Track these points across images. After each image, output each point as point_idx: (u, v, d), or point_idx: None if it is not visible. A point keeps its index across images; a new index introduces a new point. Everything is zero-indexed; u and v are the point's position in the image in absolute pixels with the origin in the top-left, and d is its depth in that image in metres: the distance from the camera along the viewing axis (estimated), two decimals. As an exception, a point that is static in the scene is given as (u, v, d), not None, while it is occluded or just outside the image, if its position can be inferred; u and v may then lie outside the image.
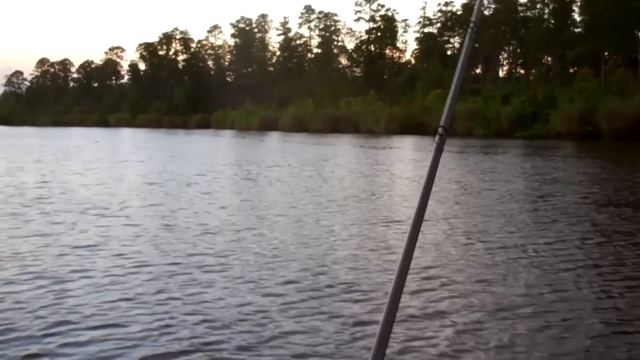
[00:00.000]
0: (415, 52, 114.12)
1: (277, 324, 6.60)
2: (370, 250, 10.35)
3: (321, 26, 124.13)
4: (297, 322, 6.67)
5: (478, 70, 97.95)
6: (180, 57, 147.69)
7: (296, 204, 16.16)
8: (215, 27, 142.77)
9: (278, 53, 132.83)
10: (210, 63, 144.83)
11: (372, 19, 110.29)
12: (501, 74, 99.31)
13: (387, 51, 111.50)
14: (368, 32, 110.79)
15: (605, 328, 6.59)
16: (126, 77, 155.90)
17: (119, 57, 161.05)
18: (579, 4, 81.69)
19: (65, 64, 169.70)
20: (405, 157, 36.73)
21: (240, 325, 6.56)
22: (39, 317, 6.80)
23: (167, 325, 6.55)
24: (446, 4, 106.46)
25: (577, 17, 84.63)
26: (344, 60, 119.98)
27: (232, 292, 7.86)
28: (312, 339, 6.19)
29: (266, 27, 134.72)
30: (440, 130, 2.14)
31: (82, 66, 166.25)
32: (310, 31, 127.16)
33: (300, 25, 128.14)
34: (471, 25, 2.22)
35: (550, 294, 7.80)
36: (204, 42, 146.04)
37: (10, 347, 5.95)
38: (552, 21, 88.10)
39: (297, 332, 6.39)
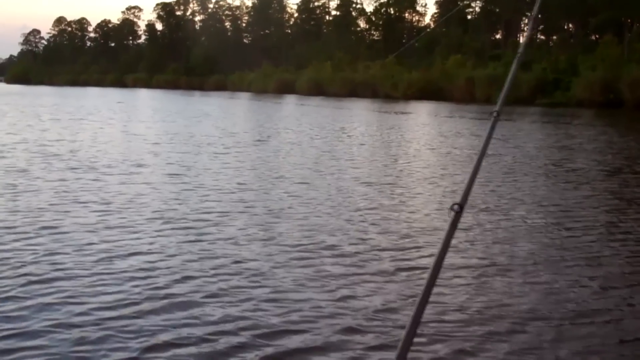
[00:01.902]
0: (435, 16, 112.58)
1: (288, 278, 6.72)
2: (377, 210, 10.43)
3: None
4: (303, 278, 6.78)
5: (498, 36, 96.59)
6: (198, 18, 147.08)
7: (310, 165, 16.22)
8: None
9: (296, 15, 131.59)
10: (227, 24, 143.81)
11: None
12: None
13: (406, 15, 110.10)
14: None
15: (590, 286, 6.73)
16: (143, 37, 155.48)
17: (136, 17, 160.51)
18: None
19: (82, 23, 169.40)
20: (422, 123, 36.41)
21: (252, 278, 6.69)
22: (56, 267, 6.93)
23: (185, 277, 6.71)
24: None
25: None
26: (362, 24, 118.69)
27: (245, 248, 7.95)
28: (321, 293, 6.30)
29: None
30: (455, 207, 2.19)
31: (99, 25, 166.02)
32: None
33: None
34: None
35: (548, 254, 7.96)
36: (221, 2, 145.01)
37: (26, 292, 6.06)
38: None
39: (306, 286, 6.50)
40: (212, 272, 6.90)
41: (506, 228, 9.40)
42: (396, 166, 16.52)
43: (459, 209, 2.17)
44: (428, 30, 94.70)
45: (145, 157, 17.12)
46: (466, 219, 9.74)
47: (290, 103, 60.56)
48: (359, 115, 41.39)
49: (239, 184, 13.00)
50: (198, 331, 5.30)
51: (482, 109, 48.03)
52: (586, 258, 7.86)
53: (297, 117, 38.23)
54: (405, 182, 13.73)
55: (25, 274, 6.62)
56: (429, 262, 7.34)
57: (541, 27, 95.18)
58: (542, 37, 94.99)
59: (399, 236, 8.73)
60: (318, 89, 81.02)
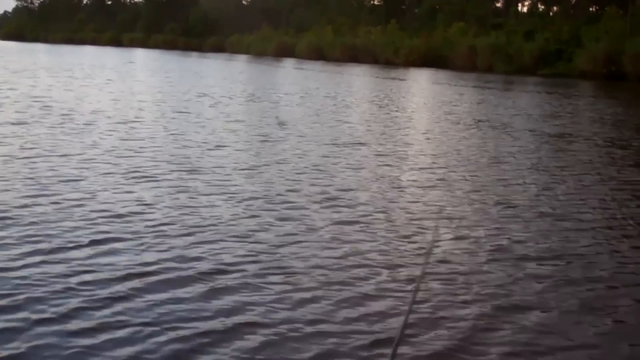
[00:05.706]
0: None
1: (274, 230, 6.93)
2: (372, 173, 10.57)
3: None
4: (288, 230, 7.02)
5: (499, 4, 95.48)
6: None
7: (294, 127, 16.27)
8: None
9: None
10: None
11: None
12: (522, 9, 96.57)
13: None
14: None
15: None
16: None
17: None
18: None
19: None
20: (422, 90, 36.08)
21: (253, 233, 6.92)
22: (61, 216, 7.02)
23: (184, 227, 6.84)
24: None
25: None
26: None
27: (240, 207, 8.12)
28: (325, 249, 6.46)
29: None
30: None
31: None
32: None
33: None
34: None
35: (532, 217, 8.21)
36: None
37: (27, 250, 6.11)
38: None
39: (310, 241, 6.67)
40: (211, 221, 7.16)
41: (494, 192, 9.58)
42: (383, 129, 16.61)
43: None
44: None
45: (145, 115, 17.17)
46: (452, 181, 10.12)
47: (289, 67, 60.03)
48: (356, 81, 41.06)
49: (238, 141, 13.31)
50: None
51: (483, 77, 47.76)
52: (576, 225, 8.08)
53: (295, 81, 37.98)
54: (390, 146, 13.87)
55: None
56: (414, 217, 7.65)
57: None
58: (543, 7, 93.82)
59: (377, 192, 9.20)
60: (318, 54, 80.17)
